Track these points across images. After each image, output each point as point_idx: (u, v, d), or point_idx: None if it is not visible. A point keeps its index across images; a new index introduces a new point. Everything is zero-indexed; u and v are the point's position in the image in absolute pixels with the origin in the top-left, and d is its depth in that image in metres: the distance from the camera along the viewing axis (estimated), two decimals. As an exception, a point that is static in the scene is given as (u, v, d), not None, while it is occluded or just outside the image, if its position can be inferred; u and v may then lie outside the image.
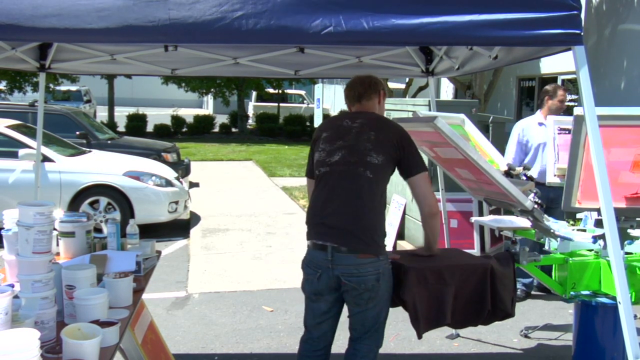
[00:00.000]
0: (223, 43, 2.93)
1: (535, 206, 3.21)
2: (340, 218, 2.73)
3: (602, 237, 3.30)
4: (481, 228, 6.00)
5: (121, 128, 20.30)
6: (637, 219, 3.23)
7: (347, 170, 2.78)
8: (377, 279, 2.72)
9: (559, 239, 3.44)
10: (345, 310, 2.97)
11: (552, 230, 3.33)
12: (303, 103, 28.82)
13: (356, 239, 2.69)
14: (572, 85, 12.62)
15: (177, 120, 22.38)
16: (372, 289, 2.73)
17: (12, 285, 2.43)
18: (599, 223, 3.32)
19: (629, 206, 3.16)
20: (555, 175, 4.32)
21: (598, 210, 3.35)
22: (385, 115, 3.04)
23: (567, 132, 4.12)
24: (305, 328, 3.03)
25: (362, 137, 2.81)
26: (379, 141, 2.79)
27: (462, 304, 3.02)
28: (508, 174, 3.46)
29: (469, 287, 3.03)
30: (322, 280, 2.80)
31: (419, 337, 2.96)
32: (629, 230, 3.23)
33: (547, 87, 5.46)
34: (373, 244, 2.72)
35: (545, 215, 3.71)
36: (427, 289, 2.93)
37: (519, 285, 5.52)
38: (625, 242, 3.25)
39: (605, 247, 3.31)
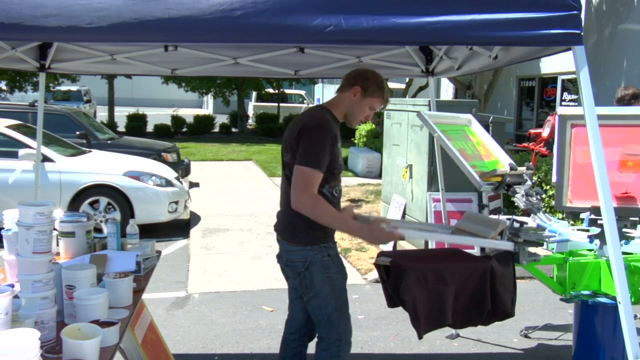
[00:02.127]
0: (223, 42, 2.92)
1: (519, 240, 3.16)
2: (278, 213, 3.09)
3: (598, 236, 3.30)
4: (481, 228, 5.99)
5: (121, 128, 20.33)
6: (631, 218, 3.23)
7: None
8: (305, 267, 2.87)
9: (555, 243, 3.45)
10: None
11: (544, 242, 3.32)
12: (303, 103, 28.83)
13: (282, 228, 2.98)
14: (572, 85, 12.62)
15: (177, 120, 22.39)
16: (304, 277, 2.88)
17: (12, 285, 2.43)
18: (592, 222, 3.32)
19: (619, 205, 3.16)
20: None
21: (590, 210, 3.35)
22: (387, 114, 3.05)
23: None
24: None
25: (285, 137, 2.98)
26: (287, 137, 2.92)
27: (462, 304, 3.02)
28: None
29: (469, 287, 3.03)
30: (280, 265, 3.08)
31: (420, 337, 2.96)
32: (623, 230, 3.23)
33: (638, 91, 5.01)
34: (294, 232, 2.89)
35: (547, 215, 3.70)
36: (427, 289, 2.94)
37: None
38: (622, 242, 3.25)
39: (601, 246, 3.31)
